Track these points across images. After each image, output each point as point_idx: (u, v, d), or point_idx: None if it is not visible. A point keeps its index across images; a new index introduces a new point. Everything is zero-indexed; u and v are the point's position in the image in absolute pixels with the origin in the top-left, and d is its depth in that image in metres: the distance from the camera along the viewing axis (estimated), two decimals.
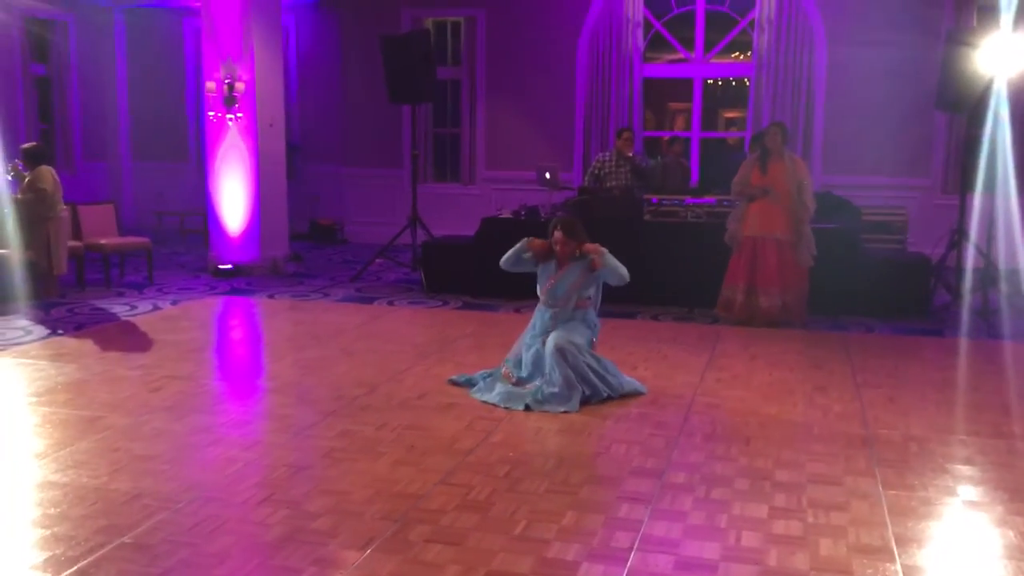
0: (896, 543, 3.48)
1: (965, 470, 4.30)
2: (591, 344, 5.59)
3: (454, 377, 5.73)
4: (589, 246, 5.46)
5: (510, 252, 5.59)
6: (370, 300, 8.61)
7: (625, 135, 9.33)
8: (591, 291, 5.56)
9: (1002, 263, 7.97)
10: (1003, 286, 7.81)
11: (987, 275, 7.86)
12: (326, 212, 13.20)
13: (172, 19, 13.70)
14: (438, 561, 3.31)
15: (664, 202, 8.63)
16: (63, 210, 8.30)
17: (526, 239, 5.58)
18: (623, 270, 5.45)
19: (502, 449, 4.51)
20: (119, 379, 5.68)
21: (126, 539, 3.44)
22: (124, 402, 5.20)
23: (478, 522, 3.64)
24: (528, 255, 5.56)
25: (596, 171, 9.37)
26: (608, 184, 9.12)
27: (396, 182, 12.68)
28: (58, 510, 3.71)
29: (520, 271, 5.63)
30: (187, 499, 3.82)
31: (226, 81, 9.71)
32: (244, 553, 3.36)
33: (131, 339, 6.85)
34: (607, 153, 9.52)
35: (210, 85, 9.77)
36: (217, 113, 9.83)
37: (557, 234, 5.49)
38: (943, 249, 8.30)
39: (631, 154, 9.27)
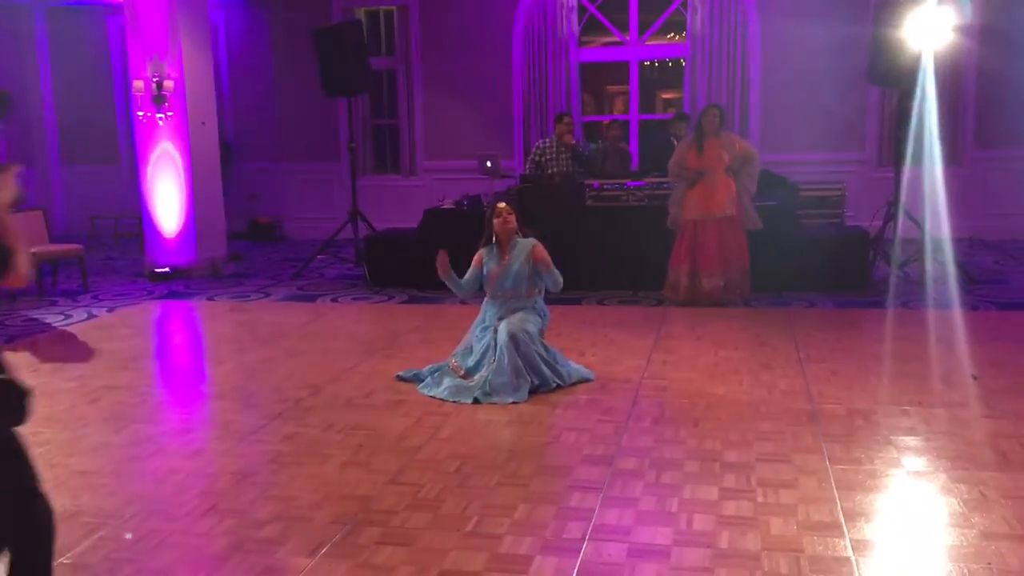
0: (845, 518, 3.52)
1: (909, 440, 4.37)
2: (541, 333, 5.59)
3: (401, 373, 5.67)
4: (538, 254, 5.46)
5: (453, 287, 5.57)
6: (313, 298, 8.48)
7: (565, 120, 9.31)
8: (536, 279, 5.54)
9: (931, 233, 8.12)
10: (935, 255, 7.96)
11: (922, 245, 8.00)
12: (265, 210, 12.97)
13: (96, 17, 13.30)
14: (390, 563, 3.26)
15: (605, 187, 8.64)
16: None
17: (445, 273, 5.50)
18: (559, 277, 5.50)
19: (451, 445, 4.46)
20: (55, 392, 5.50)
21: (64, 560, 3.33)
22: (61, 415, 5.05)
23: (429, 521, 3.60)
24: (461, 281, 5.53)
25: (537, 158, 9.34)
26: (549, 171, 9.10)
27: (335, 176, 12.49)
28: None
29: (470, 287, 5.59)
30: (128, 514, 3.71)
31: (154, 80, 9.47)
32: (189, 567, 3.27)
33: (66, 349, 6.65)
34: (547, 139, 9.49)
35: (138, 84, 9.52)
36: (146, 113, 9.58)
37: (501, 204, 5.50)
38: (880, 222, 8.43)
39: (572, 141, 9.25)
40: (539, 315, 5.58)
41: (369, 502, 3.79)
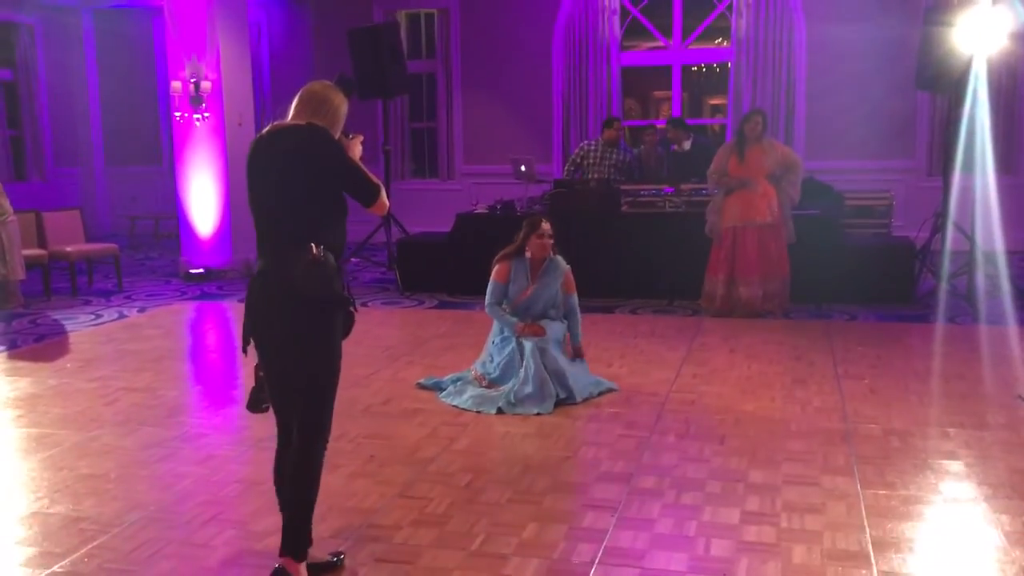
0: (873, 548, 3.30)
1: (948, 465, 4.12)
2: (563, 342, 5.44)
3: (422, 381, 5.54)
4: (570, 285, 5.39)
5: (498, 320, 5.42)
6: None
7: (616, 125, 9.10)
8: (564, 307, 5.43)
9: (982, 245, 7.77)
10: (986, 269, 7.62)
11: (971, 258, 7.67)
12: None
13: (141, 19, 13.42)
14: None
15: (642, 192, 8.44)
16: (11, 215, 8.00)
17: (515, 323, 5.33)
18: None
19: (465, 457, 4.31)
20: (73, 392, 5.47)
21: (57, 568, 3.24)
22: (76, 417, 5.00)
23: (434, 538, 3.45)
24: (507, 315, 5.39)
25: (579, 159, 9.15)
26: (589, 175, 8.90)
27: None
28: None
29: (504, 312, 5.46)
30: (128, 521, 3.62)
31: (192, 80, 9.48)
32: None
33: (91, 350, 6.63)
34: (592, 143, 9.26)
35: (175, 85, 9.54)
36: (184, 113, 9.60)
37: (546, 226, 5.31)
38: (927, 233, 8.11)
39: (619, 148, 9.05)
40: (564, 327, 5.43)
41: (374, 515, 3.65)
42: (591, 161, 9.05)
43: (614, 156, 9.03)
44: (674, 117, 10.85)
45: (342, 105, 3.16)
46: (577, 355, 5.40)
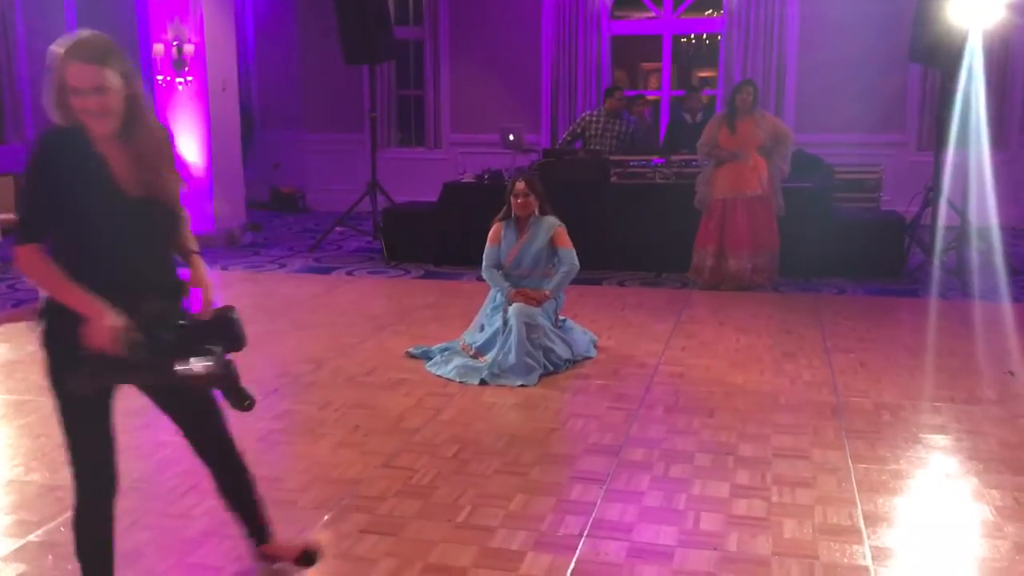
0: (865, 522, 3.26)
1: (939, 439, 4.09)
2: (555, 314, 5.38)
3: (411, 349, 5.48)
4: (560, 240, 5.30)
5: (492, 284, 5.39)
6: (328, 271, 8.29)
7: (617, 95, 8.95)
8: (553, 259, 5.33)
9: (975, 220, 7.73)
10: (977, 244, 7.59)
11: (962, 233, 7.63)
12: (288, 180, 12.79)
13: None
14: (371, 555, 3.05)
15: (631, 163, 8.35)
16: None
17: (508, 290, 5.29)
18: (576, 261, 5.35)
19: (452, 428, 4.24)
20: None
21: (32, 537, 3.17)
22: None
23: (419, 509, 3.39)
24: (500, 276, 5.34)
25: (579, 130, 8.98)
26: (592, 146, 8.74)
27: (360, 147, 12.25)
28: None
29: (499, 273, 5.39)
30: None
31: (174, 43, 9.28)
32: (160, 551, 3.09)
33: None
34: (595, 113, 9.09)
35: (157, 48, 9.33)
36: (166, 77, 9.40)
37: (519, 185, 5.27)
38: (916, 207, 8.06)
39: (622, 119, 8.90)
40: (553, 297, 5.36)
41: (358, 486, 3.58)
42: (593, 132, 8.88)
43: (617, 127, 8.87)
44: (693, 87, 10.69)
45: None
46: (538, 300, 5.20)
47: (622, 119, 8.96)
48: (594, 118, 8.96)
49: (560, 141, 9.21)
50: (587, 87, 11.37)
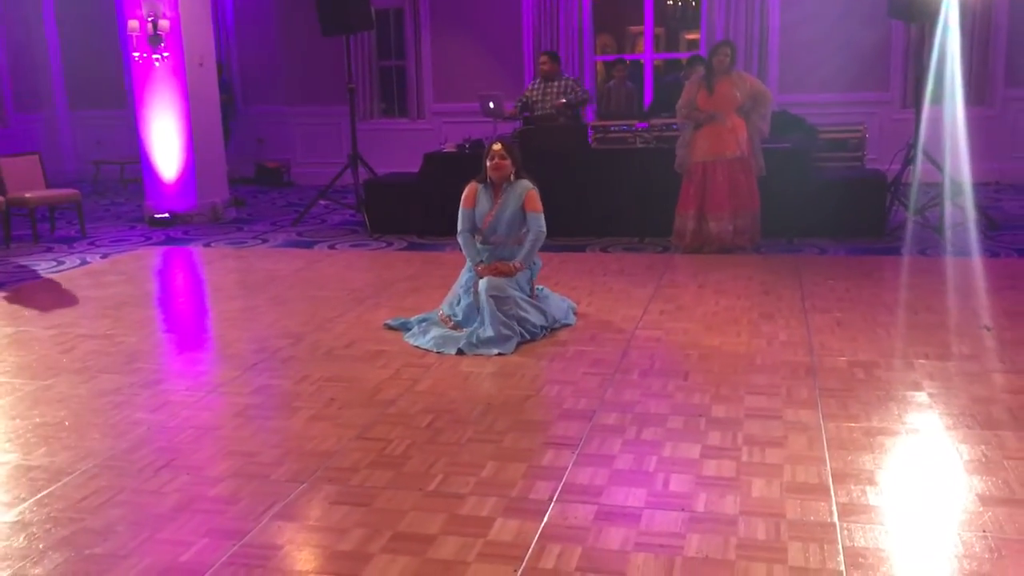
0: (833, 479, 3.28)
1: (911, 396, 4.11)
2: (530, 283, 5.36)
3: (389, 321, 5.48)
4: (530, 204, 5.25)
5: (465, 250, 5.39)
6: (311, 244, 8.28)
7: (541, 59, 8.88)
8: (526, 227, 5.31)
9: (953, 176, 7.72)
10: (955, 199, 7.58)
11: (941, 190, 7.62)
12: (272, 154, 12.73)
13: None
14: (342, 525, 3.07)
15: (612, 128, 8.31)
16: None
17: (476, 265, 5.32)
18: (543, 226, 5.30)
19: (427, 398, 4.26)
20: (30, 340, 5.36)
21: (4, 518, 3.18)
22: (32, 365, 4.90)
23: (391, 479, 3.40)
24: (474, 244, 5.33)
25: (523, 103, 8.90)
26: (537, 112, 8.70)
27: (343, 119, 12.08)
28: None
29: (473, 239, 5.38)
30: (80, 469, 3.55)
31: (149, 19, 9.18)
32: (131, 528, 3.10)
33: (49, 297, 6.50)
34: (533, 82, 9.07)
35: (132, 24, 9.23)
36: (142, 54, 9.31)
37: (496, 147, 5.27)
38: (898, 165, 8.04)
39: (559, 78, 8.81)
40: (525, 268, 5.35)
41: (331, 458, 3.60)
42: (534, 98, 8.82)
43: (555, 87, 8.77)
44: (698, 55, 10.59)
45: None
46: (506, 272, 5.18)
47: (559, 79, 8.82)
48: (533, 87, 8.91)
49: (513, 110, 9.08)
50: (569, 52, 11.28)
